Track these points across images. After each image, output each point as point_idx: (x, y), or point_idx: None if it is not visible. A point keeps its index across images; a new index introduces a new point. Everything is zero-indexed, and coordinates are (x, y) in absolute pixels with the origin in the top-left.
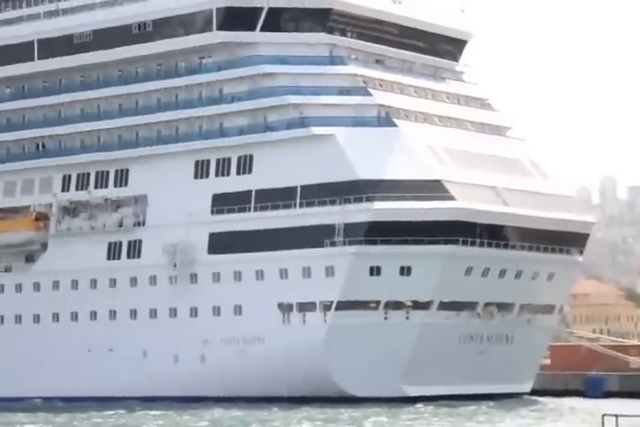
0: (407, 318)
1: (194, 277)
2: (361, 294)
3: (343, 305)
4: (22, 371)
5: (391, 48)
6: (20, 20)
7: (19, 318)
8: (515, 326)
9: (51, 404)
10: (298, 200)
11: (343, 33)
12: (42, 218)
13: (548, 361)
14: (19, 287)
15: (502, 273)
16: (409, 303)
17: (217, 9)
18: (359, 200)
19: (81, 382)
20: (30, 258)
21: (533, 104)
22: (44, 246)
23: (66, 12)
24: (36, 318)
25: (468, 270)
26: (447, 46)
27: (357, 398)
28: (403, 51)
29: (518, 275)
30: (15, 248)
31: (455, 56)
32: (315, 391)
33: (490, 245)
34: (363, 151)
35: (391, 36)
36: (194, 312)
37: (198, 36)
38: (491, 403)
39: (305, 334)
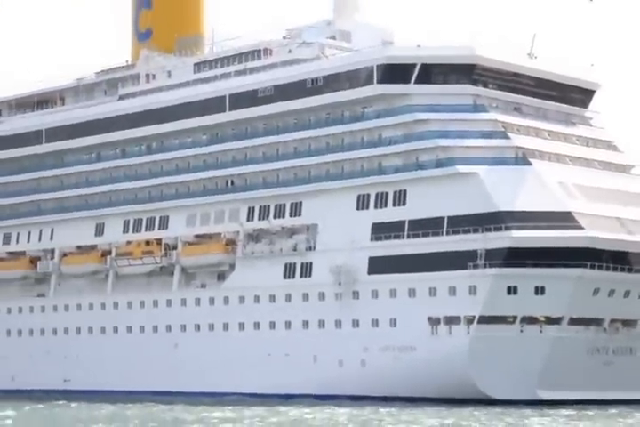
0: (541, 331)
1: (356, 294)
2: (500, 310)
3: (484, 319)
4: (213, 370)
5: (527, 97)
6: (214, 78)
7: (212, 327)
8: (637, 340)
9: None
10: (445, 229)
11: (485, 84)
12: (230, 243)
13: None
14: (212, 301)
15: (627, 293)
16: (542, 319)
17: (377, 66)
18: (499, 229)
19: (261, 381)
20: (221, 276)
21: None
22: (232, 267)
23: (252, 70)
24: (226, 327)
25: (596, 291)
26: (577, 95)
27: (496, 400)
28: (538, 99)
29: None
30: (209, 268)
31: (585, 104)
32: (458, 393)
33: (615, 269)
34: (502, 187)
35: (527, 86)
36: (356, 324)
37: (361, 89)
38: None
39: (451, 344)
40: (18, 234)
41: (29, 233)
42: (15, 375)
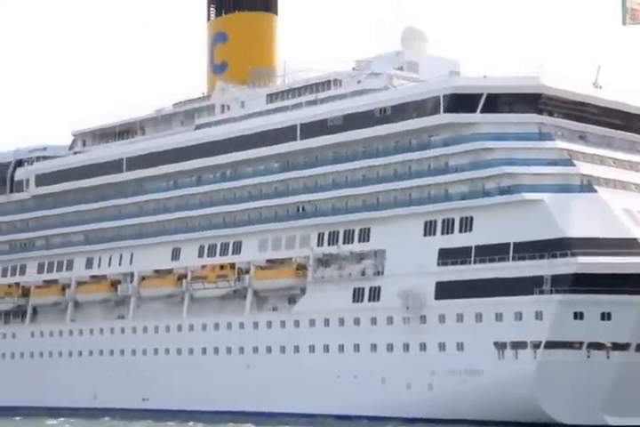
0: (608, 357)
1: (423, 319)
2: (566, 335)
3: (551, 345)
4: (283, 391)
5: (592, 126)
6: (286, 108)
7: (283, 349)
8: None
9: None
10: (511, 254)
11: (551, 113)
12: (301, 268)
13: None
14: (283, 324)
15: None
16: (609, 345)
17: (444, 95)
18: (564, 255)
19: (330, 402)
20: (292, 300)
21: None
22: (303, 291)
23: (322, 101)
24: (296, 349)
25: None
26: None
27: (564, 425)
28: (602, 128)
29: None
30: (280, 292)
31: None
32: (525, 418)
33: None
34: (568, 213)
35: (592, 115)
36: (423, 347)
37: (428, 118)
38: None
39: (518, 368)
40: (100, 258)
41: (110, 257)
42: (97, 394)
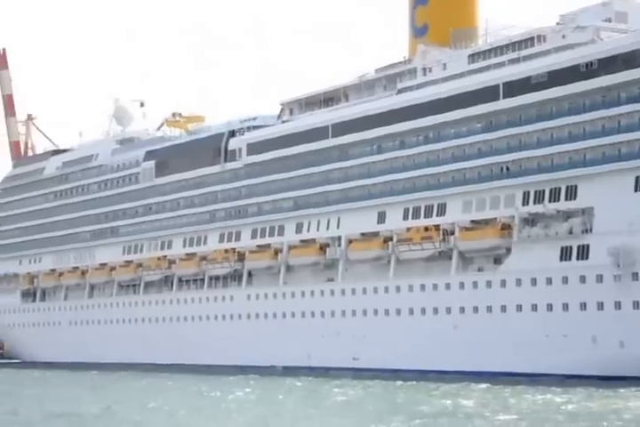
0: None
1: (635, 276)
2: None
3: None
4: (491, 350)
5: None
6: (488, 68)
7: (489, 309)
8: None
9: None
10: None
11: None
12: (506, 227)
13: None
14: (489, 284)
15: None
16: None
17: None
18: None
19: (540, 361)
20: (497, 260)
21: None
22: (509, 251)
23: (525, 58)
24: (503, 309)
25: None
26: None
27: None
28: None
29: None
30: (485, 252)
31: None
32: None
33: None
34: None
35: None
36: (636, 305)
37: (638, 70)
38: None
39: None
40: (309, 223)
41: (319, 222)
42: (310, 353)
